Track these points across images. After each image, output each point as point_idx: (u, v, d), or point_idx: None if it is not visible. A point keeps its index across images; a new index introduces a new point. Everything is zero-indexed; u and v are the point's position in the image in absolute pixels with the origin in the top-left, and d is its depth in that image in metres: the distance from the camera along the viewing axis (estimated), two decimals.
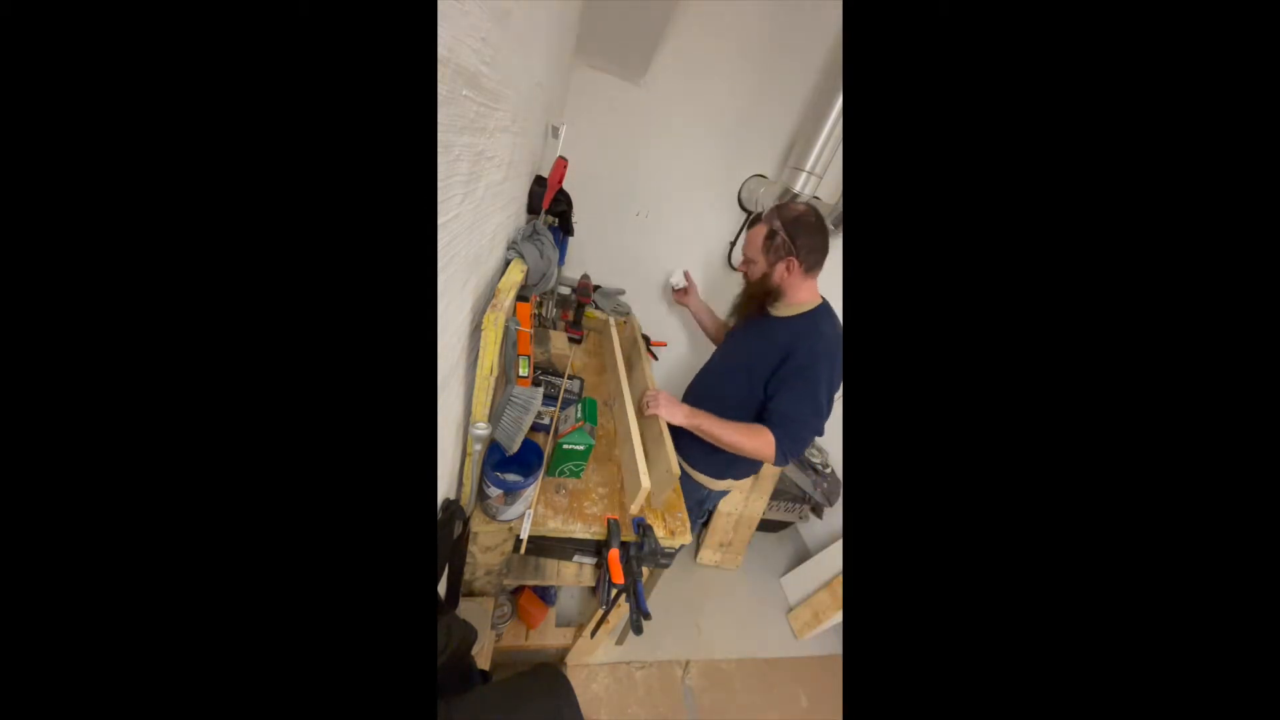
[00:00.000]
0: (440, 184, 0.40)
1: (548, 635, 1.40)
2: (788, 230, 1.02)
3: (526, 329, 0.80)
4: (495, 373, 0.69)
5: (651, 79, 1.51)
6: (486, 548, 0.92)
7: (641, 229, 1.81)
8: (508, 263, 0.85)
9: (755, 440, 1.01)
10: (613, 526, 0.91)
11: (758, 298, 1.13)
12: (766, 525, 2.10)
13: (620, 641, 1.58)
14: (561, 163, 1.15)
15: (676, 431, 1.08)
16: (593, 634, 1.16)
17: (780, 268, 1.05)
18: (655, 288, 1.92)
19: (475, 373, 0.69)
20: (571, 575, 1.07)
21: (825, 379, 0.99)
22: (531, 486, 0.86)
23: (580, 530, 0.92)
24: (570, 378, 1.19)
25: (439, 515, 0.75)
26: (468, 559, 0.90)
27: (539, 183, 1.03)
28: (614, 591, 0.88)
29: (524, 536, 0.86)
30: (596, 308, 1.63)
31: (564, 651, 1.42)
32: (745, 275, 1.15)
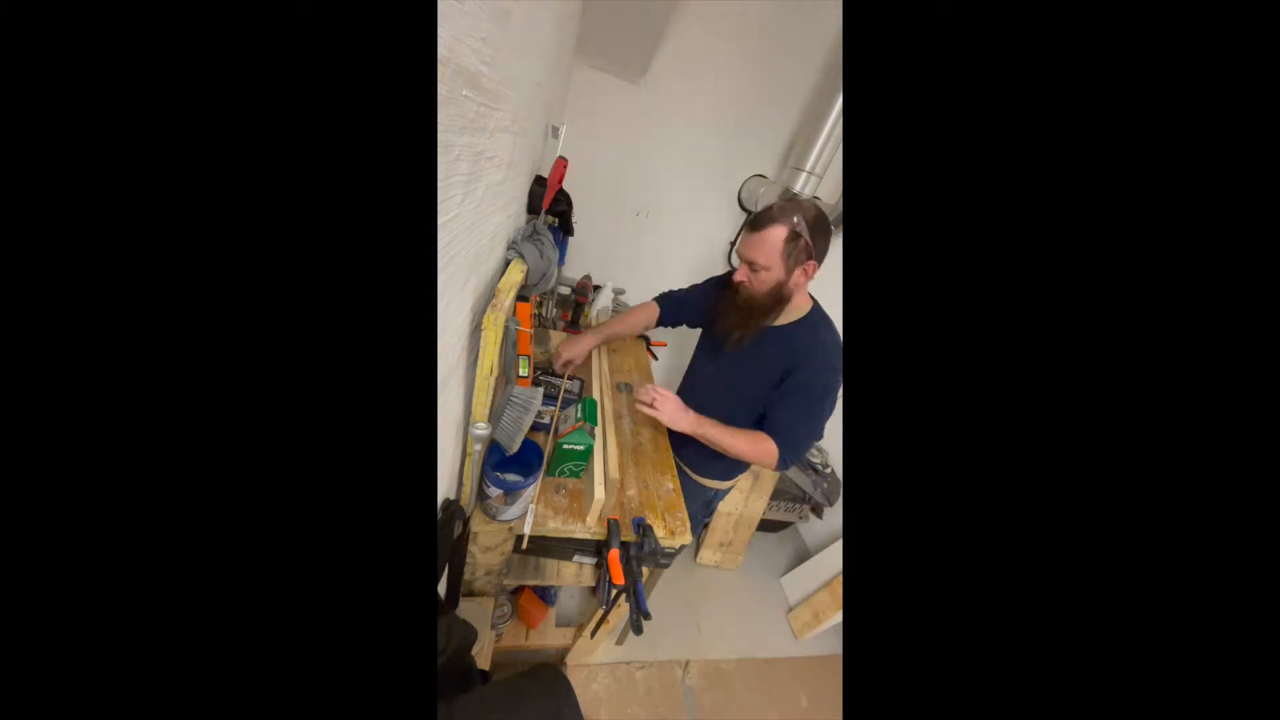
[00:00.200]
0: (440, 184, 0.40)
1: (548, 635, 1.40)
2: (811, 231, 0.89)
3: (526, 329, 0.80)
4: (495, 373, 0.69)
5: (651, 79, 1.51)
6: (486, 548, 0.92)
7: (641, 229, 1.81)
8: (508, 263, 0.85)
9: (758, 448, 1.00)
10: (613, 527, 0.91)
11: (760, 314, 0.98)
12: (766, 525, 2.10)
13: (620, 641, 1.58)
14: (561, 163, 1.15)
15: (681, 438, 1.07)
16: (593, 634, 1.16)
17: (798, 273, 0.92)
18: (655, 288, 1.92)
19: (475, 373, 0.69)
20: (571, 575, 1.07)
21: (828, 392, 0.98)
22: (531, 486, 0.86)
23: (580, 530, 0.92)
24: (570, 378, 1.19)
25: (439, 515, 0.75)
26: (468, 559, 0.90)
27: (539, 183, 1.03)
28: (614, 592, 0.88)
29: (526, 533, 0.86)
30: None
31: (564, 651, 1.42)
32: (748, 286, 0.96)
